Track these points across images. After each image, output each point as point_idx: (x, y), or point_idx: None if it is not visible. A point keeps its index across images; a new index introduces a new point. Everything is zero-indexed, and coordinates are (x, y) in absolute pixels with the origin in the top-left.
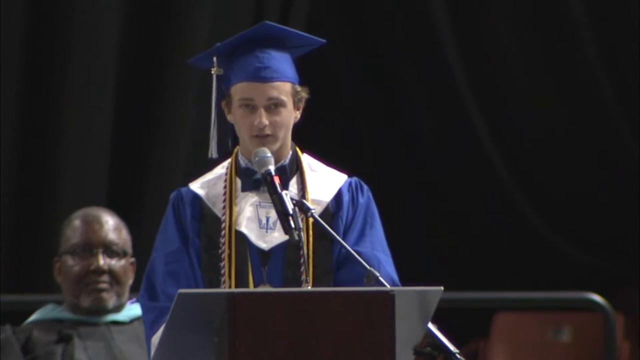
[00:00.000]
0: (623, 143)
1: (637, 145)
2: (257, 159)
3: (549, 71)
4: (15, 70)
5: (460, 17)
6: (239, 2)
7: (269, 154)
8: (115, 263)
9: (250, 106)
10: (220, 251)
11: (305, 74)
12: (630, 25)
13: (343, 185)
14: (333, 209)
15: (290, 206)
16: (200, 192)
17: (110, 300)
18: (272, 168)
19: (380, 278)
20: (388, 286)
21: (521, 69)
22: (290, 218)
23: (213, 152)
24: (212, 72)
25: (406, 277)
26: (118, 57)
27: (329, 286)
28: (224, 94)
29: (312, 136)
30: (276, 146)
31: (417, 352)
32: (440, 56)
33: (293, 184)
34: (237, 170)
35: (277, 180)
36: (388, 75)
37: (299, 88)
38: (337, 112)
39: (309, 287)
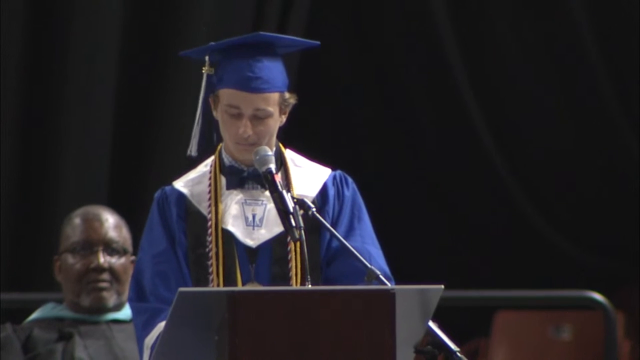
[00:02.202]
0: (623, 143)
1: (637, 145)
2: (257, 157)
3: (549, 71)
4: (16, 70)
5: (460, 17)
6: (239, 2)
7: (270, 153)
8: (116, 261)
9: (235, 113)
10: (207, 249)
11: (305, 74)
12: (630, 25)
13: (327, 179)
14: (319, 204)
15: (291, 204)
16: (185, 190)
17: (111, 298)
18: (272, 166)
19: (381, 277)
20: (389, 284)
21: (521, 68)
22: (291, 216)
23: (193, 150)
24: (203, 70)
25: (407, 275)
26: (118, 57)
27: (318, 281)
28: (213, 90)
29: (312, 136)
30: None
31: (418, 350)
32: (441, 56)
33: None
34: (222, 168)
35: (277, 178)
36: (388, 76)
37: (287, 95)
38: (337, 112)
39: (309, 286)
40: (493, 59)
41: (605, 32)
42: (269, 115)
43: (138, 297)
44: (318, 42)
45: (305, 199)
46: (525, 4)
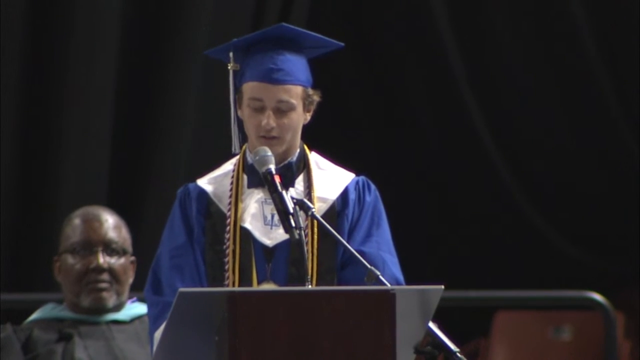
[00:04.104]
0: (623, 143)
1: (637, 145)
2: (257, 157)
3: (549, 71)
4: (16, 70)
5: (460, 16)
6: (239, 2)
7: (269, 153)
8: (115, 261)
9: (259, 106)
10: (224, 247)
11: None
12: (630, 24)
13: (350, 184)
14: (339, 207)
15: (290, 205)
16: (208, 187)
17: (110, 299)
18: (272, 167)
19: (381, 277)
20: (389, 285)
21: (521, 68)
22: (291, 217)
23: (236, 148)
24: (229, 67)
25: (407, 276)
26: (118, 56)
27: (332, 284)
28: (236, 87)
29: (311, 136)
30: (282, 148)
31: (418, 351)
32: (441, 56)
33: (299, 181)
34: (245, 167)
35: (277, 179)
36: (388, 75)
37: (310, 91)
38: (337, 112)
39: (310, 286)
40: (493, 59)
41: (605, 32)
42: (292, 108)
43: (154, 290)
44: (342, 44)
45: (324, 201)
46: (525, 3)
